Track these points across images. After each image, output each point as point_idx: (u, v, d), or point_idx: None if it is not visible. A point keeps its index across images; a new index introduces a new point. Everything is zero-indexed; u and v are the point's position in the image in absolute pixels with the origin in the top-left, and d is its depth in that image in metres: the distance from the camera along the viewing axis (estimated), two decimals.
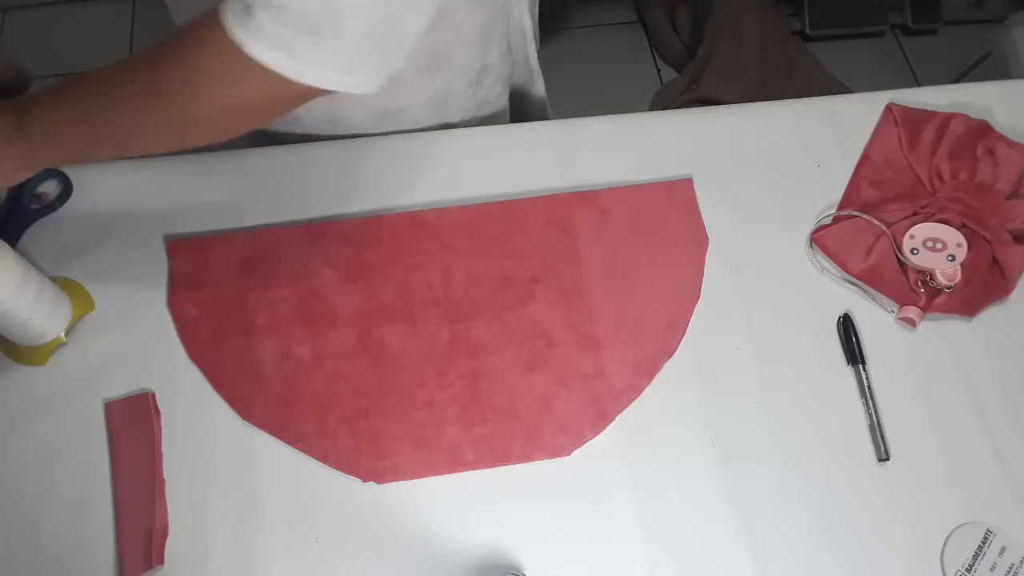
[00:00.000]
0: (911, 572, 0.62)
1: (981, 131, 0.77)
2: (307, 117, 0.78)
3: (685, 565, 0.62)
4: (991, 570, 0.61)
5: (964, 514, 0.63)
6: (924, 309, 0.70)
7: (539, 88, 0.88)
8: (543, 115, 0.93)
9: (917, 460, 0.65)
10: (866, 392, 0.67)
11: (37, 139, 0.56)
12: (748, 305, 0.71)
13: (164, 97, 0.51)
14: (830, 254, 0.73)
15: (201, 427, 0.66)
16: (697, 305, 0.71)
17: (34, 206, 0.74)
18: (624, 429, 0.66)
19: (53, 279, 0.68)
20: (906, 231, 0.72)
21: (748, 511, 0.64)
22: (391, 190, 0.76)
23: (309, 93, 0.49)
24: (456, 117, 0.81)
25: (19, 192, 0.74)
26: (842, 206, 0.76)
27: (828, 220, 0.75)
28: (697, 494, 0.64)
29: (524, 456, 0.65)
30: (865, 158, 0.78)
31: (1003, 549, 0.62)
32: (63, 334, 0.68)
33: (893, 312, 0.71)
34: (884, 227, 0.73)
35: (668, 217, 0.75)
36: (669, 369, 0.69)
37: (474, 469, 0.65)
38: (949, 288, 0.70)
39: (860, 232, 0.73)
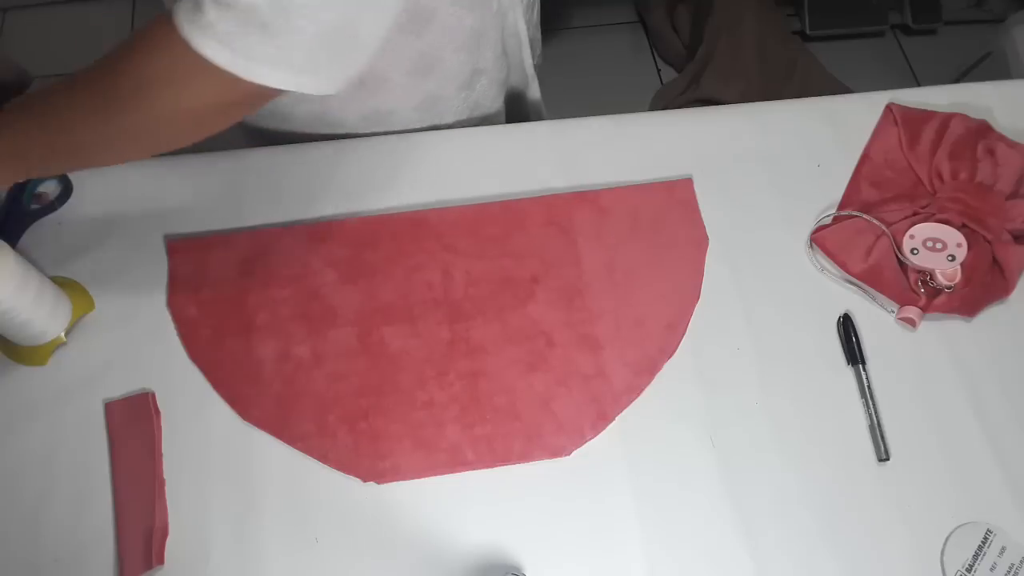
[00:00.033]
0: (911, 572, 0.62)
1: (981, 131, 0.77)
2: (298, 115, 0.78)
3: (685, 565, 0.62)
4: (991, 570, 0.61)
5: (964, 514, 0.63)
6: (924, 309, 0.70)
7: (534, 91, 0.88)
8: (538, 118, 0.93)
9: (917, 460, 0.65)
10: (866, 392, 0.67)
11: (3, 156, 0.55)
12: (748, 305, 0.71)
13: (117, 102, 0.50)
14: (830, 254, 0.73)
15: (201, 427, 0.66)
16: (697, 305, 0.71)
17: (34, 206, 0.74)
18: (624, 429, 0.66)
19: (53, 279, 0.68)
20: (906, 231, 0.72)
21: (748, 511, 0.64)
22: (391, 190, 0.76)
23: (263, 93, 0.49)
24: (448, 119, 0.81)
25: (19, 192, 0.74)
26: (842, 206, 0.76)
27: (828, 220, 0.75)
28: (697, 494, 0.64)
29: (524, 456, 0.65)
30: (865, 158, 0.78)
31: (1003, 549, 0.62)
32: (63, 334, 0.68)
33: (893, 312, 0.71)
34: (884, 227, 0.73)
35: (668, 217, 0.75)
36: (669, 369, 0.69)
37: (474, 469, 0.65)
38: (949, 288, 0.70)
39: (860, 232, 0.73)
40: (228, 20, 0.45)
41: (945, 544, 0.62)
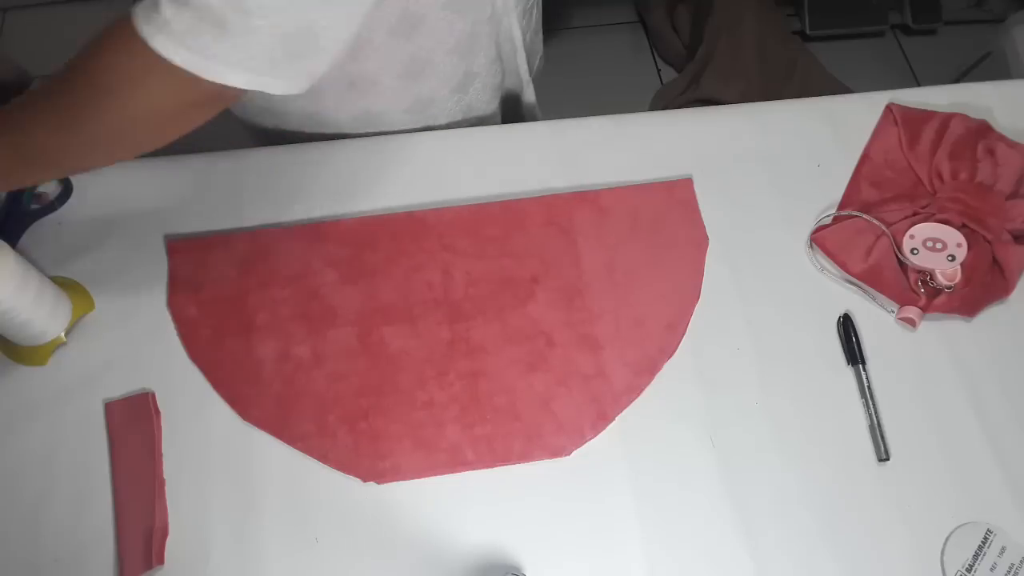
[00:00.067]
0: (911, 572, 0.62)
1: (981, 131, 0.77)
2: (292, 113, 0.78)
3: (685, 565, 0.62)
4: (991, 570, 0.61)
5: (964, 514, 0.63)
6: (924, 309, 0.70)
7: (529, 95, 0.88)
8: (532, 120, 0.93)
9: (917, 460, 0.65)
10: (866, 392, 0.67)
11: None
12: (748, 305, 0.71)
13: (77, 107, 0.50)
14: (830, 254, 0.73)
15: (201, 427, 0.66)
16: (697, 305, 0.71)
17: (34, 206, 0.74)
18: (624, 429, 0.66)
19: (53, 279, 0.68)
20: (906, 231, 0.72)
21: (748, 511, 0.64)
22: (391, 190, 0.76)
23: (224, 93, 0.49)
24: (441, 121, 0.81)
25: (19, 192, 0.74)
26: (842, 206, 0.76)
27: (828, 220, 0.75)
28: (697, 494, 0.64)
29: (524, 456, 0.65)
30: (865, 158, 0.78)
31: (1003, 549, 0.62)
32: (63, 334, 0.68)
33: (893, 312, 0.71)
34: (884, 227, 0.73)
35: (668, 217, 0.75)
36: (669, 369, 0.69)
37: (474, 469, 0.65)
38: (949, 288, 0.70)
39: (860, 232, 0.73)
40: (184, 18, 0.45)
41: (945, 544, 0.62)
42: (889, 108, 0.80)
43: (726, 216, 0.75)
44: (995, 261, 0.72)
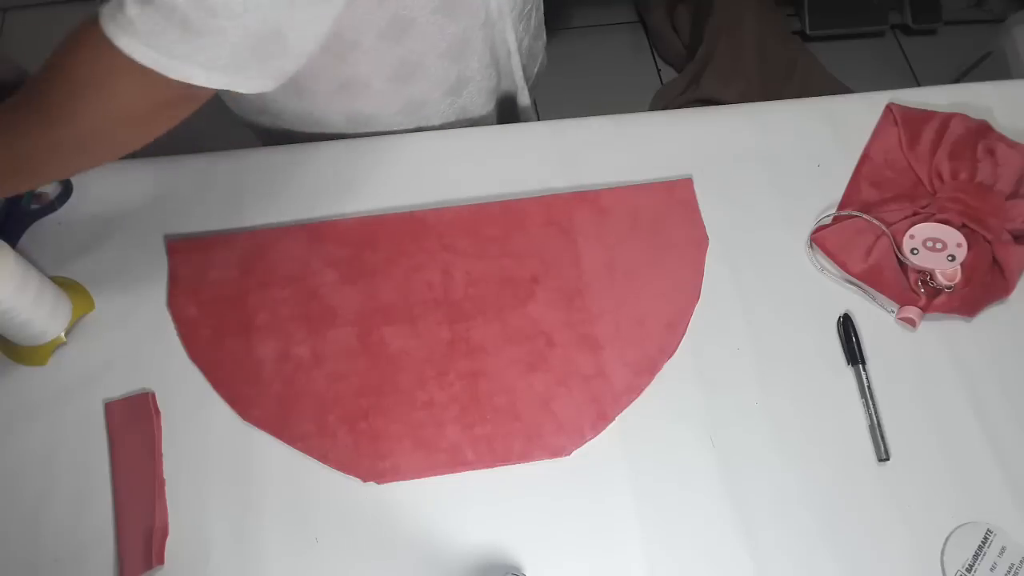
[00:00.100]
0: (911, 572, 0.62)
1: (981, 131, 0.77)
2: (287, 112, 0.78)
3: (685, 565, 0.62)
4: (991, 570, 0.61)
5: (964, 514, 0.63)
6: (924, 309, 0.70)
7: (524, 99, 0.88)
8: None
9: (917, 460, 0.65)
10: (866, 392, 0.67)
11: None
12: (748, 305, 0.71)
13: (55, 106, 0.50)
14: (830, 254, 0.73)
15: (201, 427, 0.66)
16: (697, 305, 0.71)
17: (34, 206, 0.74)
18: (624, 429, 0.66)
19: (53, 279, 0.68)
20: (906, 231, 0.72)
21: (748, 511, 0.64)
22: (391, 190, 0.76)
23: (194, 92, 0.49)
24: (435, 123, 0.81)
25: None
26: (842, 206, 0.76)
27: (828, 220, 0.75)
28: (697, 494, 0.64)
29: (524, 456, 0.65)
30: (865, 158, 0.78)
31: (1003, 549, 0.62)
32: (63, 334, 0.68)
33: (893, 312, 0.71)
34: (884, 227, 0.73)
35: (668, 217, 0.75)
36: (669, 369, 0.69)
37: (474, 469, 0.65)
38: (949, 288, 0.70)
39: (860, 232, 0.73)
40: (148, 18, 0.45)
41: (945, 544, 0.62)
42: (889, 108, 0.80)
43: (726, 216, 0.75)
44: (995, 261, 0.72)
